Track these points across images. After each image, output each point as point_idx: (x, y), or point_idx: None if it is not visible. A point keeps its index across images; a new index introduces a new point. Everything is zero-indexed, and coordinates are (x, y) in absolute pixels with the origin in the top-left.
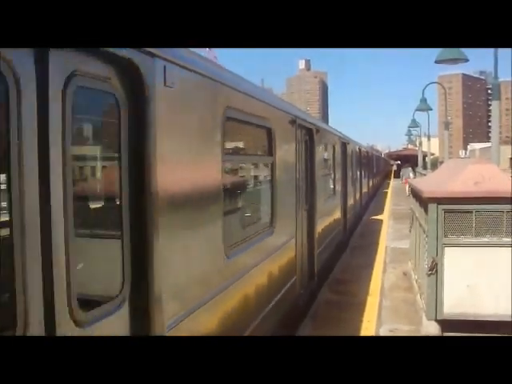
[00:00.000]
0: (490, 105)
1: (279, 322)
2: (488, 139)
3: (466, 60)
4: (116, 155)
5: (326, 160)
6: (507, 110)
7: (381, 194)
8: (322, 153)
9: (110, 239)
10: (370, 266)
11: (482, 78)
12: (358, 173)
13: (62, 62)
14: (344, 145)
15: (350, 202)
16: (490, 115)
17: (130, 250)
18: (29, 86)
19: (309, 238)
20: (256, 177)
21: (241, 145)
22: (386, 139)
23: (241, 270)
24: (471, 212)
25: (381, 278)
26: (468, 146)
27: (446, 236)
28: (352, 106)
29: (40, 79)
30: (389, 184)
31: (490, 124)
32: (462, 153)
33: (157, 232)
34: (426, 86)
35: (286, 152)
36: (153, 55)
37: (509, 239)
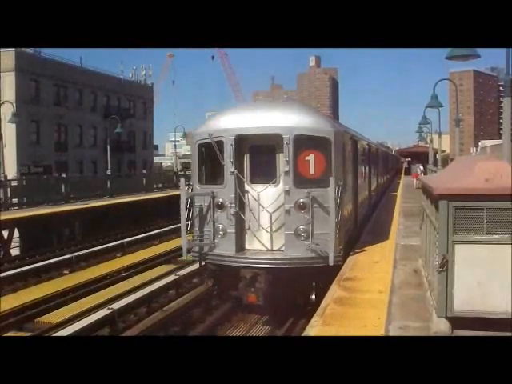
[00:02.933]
0: (502, 102)
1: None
2: (499, 136)
3: (478, 56)
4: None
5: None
6: None
7: (391, 191)
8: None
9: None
10: (379, 262)
11: (494, 74)
12: (368, 170)
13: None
14: (355, 142)
15: (361, 198)
16: (501, 112)
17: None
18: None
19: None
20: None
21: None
22: (397, 136)
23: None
24: (482, 209)
25: (391, 274)
26: (479, 143)
27: (456, 233)
28: (363, 102)
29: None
30: (399, 181)
31: (501, 121)
32: (473, 150)
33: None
34: (437, 83)
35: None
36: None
37: None
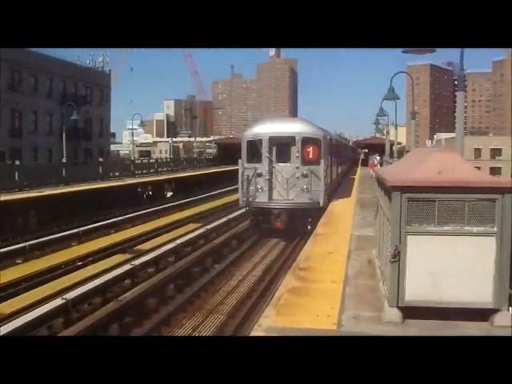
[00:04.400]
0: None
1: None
2: (454, 129)
3: (433, 50)
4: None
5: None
6: (473, 101)
7: (348, 182)
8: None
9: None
10: (334, 253)
11: (450, 69)
12: (336, 158)
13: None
14: (330, 140)
15: (334, 174)
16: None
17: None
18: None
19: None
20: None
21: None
22: (354, 127)
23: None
24: (434, 201)
25: (345, 265)
26: (434, 136)
27: (408, 224)
28: (321, 93)
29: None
30: (356, 172)
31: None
32: (428, 142)
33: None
34: (393, 76)
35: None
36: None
37: (470, 228)
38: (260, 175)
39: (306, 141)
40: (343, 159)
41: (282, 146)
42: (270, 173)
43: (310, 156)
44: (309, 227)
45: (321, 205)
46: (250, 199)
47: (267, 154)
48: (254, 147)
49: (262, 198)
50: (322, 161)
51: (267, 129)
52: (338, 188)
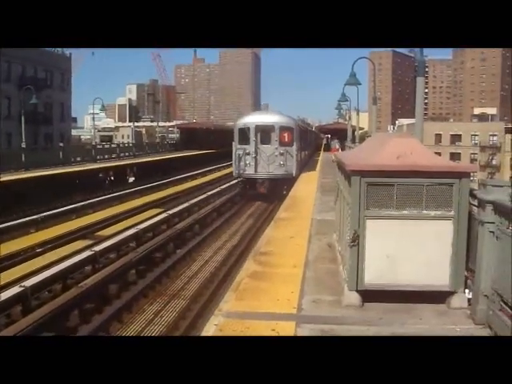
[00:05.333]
0: None
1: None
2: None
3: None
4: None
5: None
6: (434, 87)
7: (311, 166)
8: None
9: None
10: (295, 237)
11: (412, 55)
12: (303, 141)
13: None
14: (299, 126)
15: (302, 154)
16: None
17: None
18: None
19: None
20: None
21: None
22: (317, 112)
23: (304, 156)
24: (393, 185)
25: (306, 249)
26: (396, 122)
27: (367, 208)
28: (285, 78)
29: None
30: (319, 156)
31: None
32: (389, 128)
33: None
34: (355, 61)
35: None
36: (294, 123)
37: (428, 212)
38: (248, 154)
39: (283, 128)
40: (309, 143)
41: (264, 132)
42: (256, 152)
43: (286, 140)
44: (284, 192)
45: (293, 175)
46: (241, 172)
47: (254, 138)
48: (244, 133)
49: (249, 171)
50: (295, 143)
51: (253, 119)
52: (304, 166)
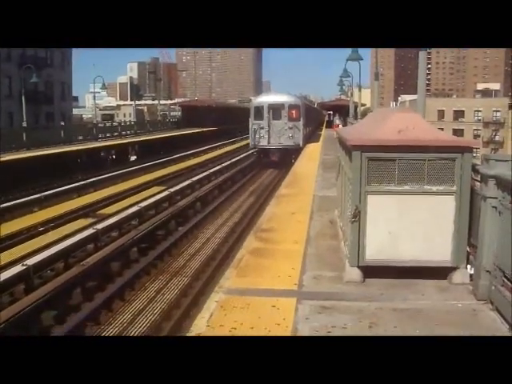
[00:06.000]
0: None
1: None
2: None
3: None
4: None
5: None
6: (437, 63)
7: (314, 139)
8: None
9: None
10: (296, 214)
11: None
12: (307, 117)
13: None
14: (305, 104)
15: (307, 129)
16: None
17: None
18: None
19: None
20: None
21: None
22: (319, 89)
23: (309, 130)
24: (394, 160)
25: (307, 225)
26: (399, 98)
27: (369, 184)
28: (287, 54)
29: None
30: (321, 133)
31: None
32: (392, 104)
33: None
34: None
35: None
36: (300, 101)
37: (429, 187)
38: (262, 128)
39: (291, 106)
40: (313, 119)
41: (275, 110)
42: (268, 126)
43: (294, 116)
44: (292, 160)
45: (300, 146)
46: (256, 143)
47: (267, 115)
48: (258, 111)
49: (263, 142)
50: (301, 119)
51: (266, 99)
52: (309, 138)
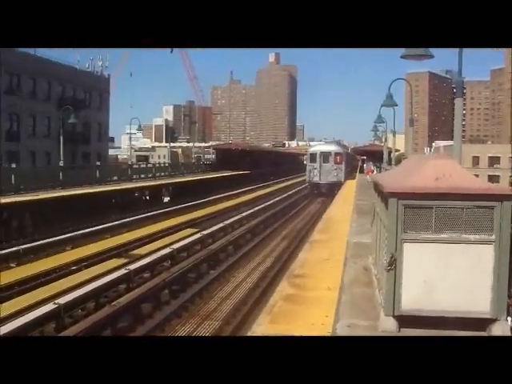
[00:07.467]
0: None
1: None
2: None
3: (431, 56)
4: None
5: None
6: (472, 109)
7: (350, 179)
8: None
9: None
10: (330, 260)
11: (449, 77)
12: (345, 163)
13: None
14: (347, 153)
15: (345, 172)
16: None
17: None
18: None
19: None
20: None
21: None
22: (353, 134)
23: (347, 171)
24: (431, 208)
25: (341, 272)
26: (433, 144)
27: (405, 232)
28: (321, 100)
29: None
30: (355, 178)
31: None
32: (426, 150)
33: None
34: (392, 82)
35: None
36: (344, 151)
37: (467, 236)
38: (315, 169)
39: (336, 154)
40: (350, 163)
41: (325, 156)
42: (320, 168)
43: (338, 161)
44: (335, 192)
45: (342, 182)
46: (311, 179)
47: (319, 159)
48: (313, 156)
49: (315, 179)
50: (343, 163)
51: (318, 148)
52: (347, 177)
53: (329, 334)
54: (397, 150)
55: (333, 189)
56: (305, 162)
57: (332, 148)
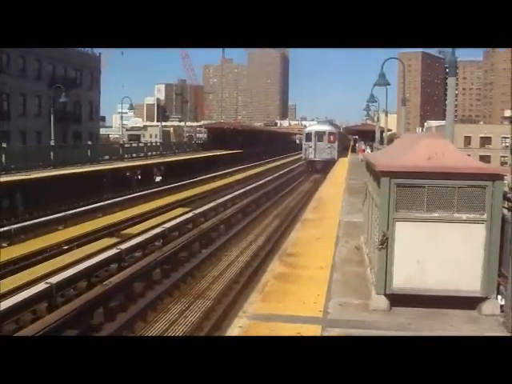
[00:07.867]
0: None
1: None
2: (445, 118)
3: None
4: None
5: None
6: (464, 89)
7: (343, 157)
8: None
9: None
10: (322, 239)
11: (441, 56)
12: (338, 141)
13: None
14: (339, 131)
15: (338, 149)
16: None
17: None
18: None
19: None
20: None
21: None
22: (345, 113)
23: (340, 149)
24: (423, 187)
25: (333, 251)
26: (425, 123)
27: (397, 210)
28: (313, 79)
29: None
30: (347, 156)
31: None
32: (418, 129)
33: None
34: (384, 62)
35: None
36: (337, 131)
37: (459, 215)
38: (310, 147)
39: (330, 133)
40: (342, 142)
41: (320, 135)
42: (315, 146)
43: (331, 140)
44: (329, 169)
45: (335, 159)
46: (307, 157)
47: (314, 138)
48: (308, 135)
49: (311, 156)
50: (337, 142)
51: (314, 128)
52: (340, 155)
53: (320, 314)
54: (389, 130)
55: (327, 165)
56: (297, 142)
57: (326, 128)
